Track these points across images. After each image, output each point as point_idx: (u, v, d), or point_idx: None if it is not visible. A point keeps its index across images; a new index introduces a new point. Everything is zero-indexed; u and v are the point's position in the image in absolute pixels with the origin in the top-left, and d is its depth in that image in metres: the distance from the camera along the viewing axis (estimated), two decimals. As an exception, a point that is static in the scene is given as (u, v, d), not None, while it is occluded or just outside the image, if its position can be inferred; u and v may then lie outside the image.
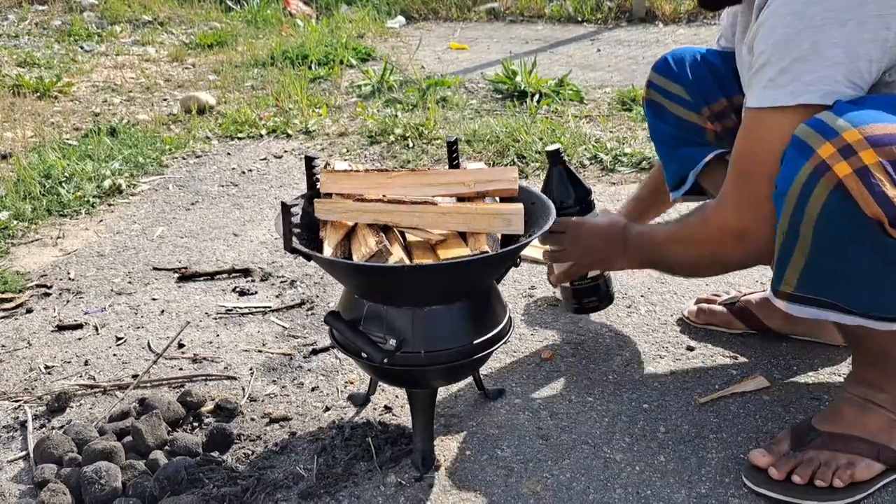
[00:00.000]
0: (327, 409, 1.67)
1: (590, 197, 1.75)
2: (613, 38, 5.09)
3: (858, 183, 1.17)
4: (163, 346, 1.92)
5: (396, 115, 3.51)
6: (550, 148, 1.73)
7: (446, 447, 1.54)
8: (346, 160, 3.13)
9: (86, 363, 1.87)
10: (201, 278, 2.27)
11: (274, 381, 1.78)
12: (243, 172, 3.08)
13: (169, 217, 2.70)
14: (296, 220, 1.39)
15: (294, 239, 1.36)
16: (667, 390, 1.68)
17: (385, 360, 1.36)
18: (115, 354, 1.91)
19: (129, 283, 2.26)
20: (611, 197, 2.69)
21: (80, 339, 1.99)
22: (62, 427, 1.62)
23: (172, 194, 2.90)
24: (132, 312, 2.10)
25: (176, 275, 2.28)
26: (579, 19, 5.55)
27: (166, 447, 1.52)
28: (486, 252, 1.35)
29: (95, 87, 4.31)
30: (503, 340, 1.47)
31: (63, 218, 2.70)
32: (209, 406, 1.67)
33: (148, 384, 1.77)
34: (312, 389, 1.74)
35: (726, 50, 1.74)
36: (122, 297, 2.18)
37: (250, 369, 1.83)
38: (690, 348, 1.83)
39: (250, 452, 1.54)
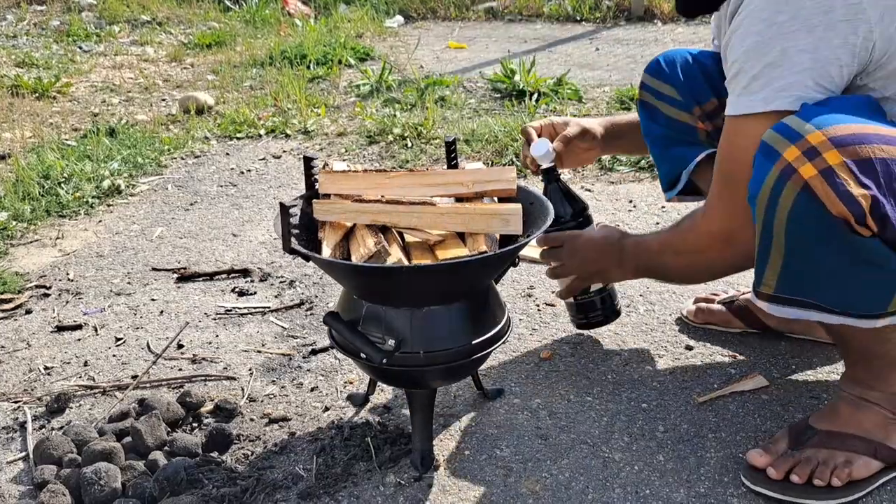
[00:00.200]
0: (326, 409, 1.67)
1: (587, 212, 1.76)
2: (612, 36, 5.09)
3: (823, 183, 1.18)
4: (162, 346, 1.92)
5: (395, 115, 3.51)
6: (546, 166, 1.73)
7: (445, 447, 1.54)
8: (344, 160, 3.13)
9: (85, 364, 1.88)
10: (200, 279, 2.27)
11: (273, 381, 1.78)
12: (242, 173, 3.08)
13: (168, 217, 2.71)
14: (294, 220, 1.39)
15: (293, 240, 1.36)
16: (665, 389, 1.69)
17: (384, 361, 1.37)
18: (114, 355, 1.91)
19: (129, 283, 2.26)
20: (609, 196, 2.69)
21: (79, 339, 1.99)
22: (62, 428, 1.63)
23: (171, 195, 2.90)
24: (131, 313, 2.10)
25: (175, 275, 2.28)
26: (578, 18, 5.55)
27: (166, 448, 1.53)
28: (485, 252, 1.35)
29: (94, 88, 4.31)
30: (502, 340, 1.47)
31: (62, 218, 2.70)
32: (208, 406, 1.67)
33: (147, 385, 1.78)
34: (312, 390, 1.74)
35: (718, 50, 1.74)
36: (122, 298, 2.18)
37: (249, 370, 1.83)
38: (689, 347, 1.83)
39: (250, 453, 1.54)
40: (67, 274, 2.32)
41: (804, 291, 1.30)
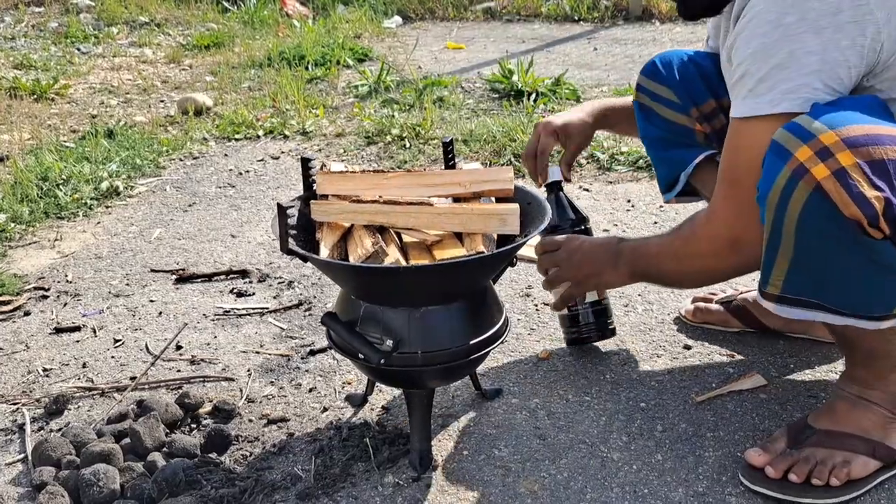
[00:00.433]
0: (325, 409, 1.67)
1: (587, 223, 1.76)
2: (610, 36, 5.10)
3: (836, 184, 1.18)
4: (160, 347, 1.92)
5: (393, 116, 3.51)
6: (551, 179, 1.75)
7: (444, 447, 1.54)
8: (342, 161, 3.14)
9: (84, 365, 1.88)
10: (199, 280, 2.27)
11: (272, 382, 1.78)
12: (240, 174, 3.08)
13: (166, 219, 2.71)
14: (292, 221, 1.39)
15: (290, 240, 1.36)
16: (664, 389, 1.69)
17: (382, 361, 1.37)
18: (112, 356, 1.91)
19: (127, 285, 2.26)
20: (608, 196, 2.69)
21: (77, 341, 1.99)
22: (60, 429, 1.63)
23: (170, 196, 2.90)
24: (130, 314, 2.10)
25: (173, 276, 2.28)
26: (576, 18, 5.55)
27: (164, 449, 1.53)
28: (482, 252, 1.35)
29: (92, 89, 4.31)
30: (500, 341, 1.47)
31: (60, 220, 2.70)
32: (207, 407, 1.67)
33: (146, 386, 1.78)
34: (310, 390, 1.74)
35: (714, 51, 1.74)
36: (120, 299, 2.18)
37: (248, 370, 1.83)
38: (687, 347, 1.83)
39: (248, 454, 1.54)
40: (66, 275, 2.32)
41: (811, 292, 1.29)
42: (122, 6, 6.14)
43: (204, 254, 2.43)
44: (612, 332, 1.80)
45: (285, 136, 3.46)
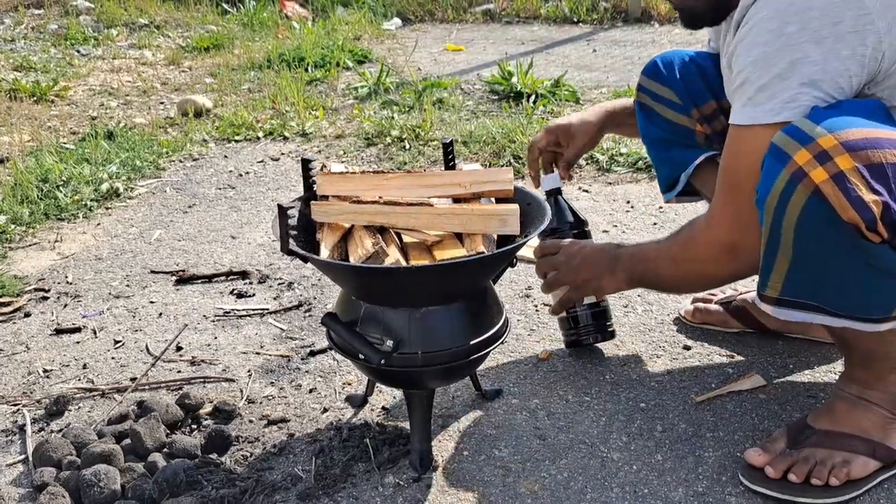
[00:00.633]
0: (325, 410, 1.67)
1: (586, 228, 1.77)
2: (609, 38, 5.10)
3: (835, 188, 1.18)
4: (161, 348, 1.92)
5: (393, 117, 3.51)
6: (550, 187, 1.75)
7: (444, 448, 1.55)
8: (342, 162, 3.14)
9: (84, 366, 1.88)
10: (199, 281, 2.27)
11: (272, 382, 1.79)
12: (240, 175, 3.09)
13: (166, 220, 2.71)
14: (292, 222, 1.39)
15: (291, 241, 1.36)
16: (664, 389, 1.69)
17: (382, 362, 1.37)
18: (113, 357, 1.91)
19: (127, 286, 2.27)
20: (607, 197, 2.69)
21: (78, 342, 1.99)
22: (61, 430, 1.63)
23: (170, 197, 2.90)
24: (130, 315, 2.10)
25: (174, 277, 2.29)
26: (575, 20, 5.55)
27: (165, 449, 1.53)
28: (482, 253, 1.35)
29: (92, 91, 4.31)
30: (500, 341, 1.48)
31: (60, 222, 2.70)
32: (207, 408, 1.67)
33: (146, 387, 1.78)
34: (310, 391, 1.74)
35: (716, 52, 1.74)
36: (120, 301, 2.18)
37: (248, 371, 1.83)
38: (687, 347, 1.83)
39: (249, 454, 1.54)
40: (66, 277, 2.32)
41: (810, 295, 1.29)
42: (122, 8, 6.14)
43: (204, 255, 2.43)
44: (612, 335, 1.80)
45: (285, 138, 3.46)
